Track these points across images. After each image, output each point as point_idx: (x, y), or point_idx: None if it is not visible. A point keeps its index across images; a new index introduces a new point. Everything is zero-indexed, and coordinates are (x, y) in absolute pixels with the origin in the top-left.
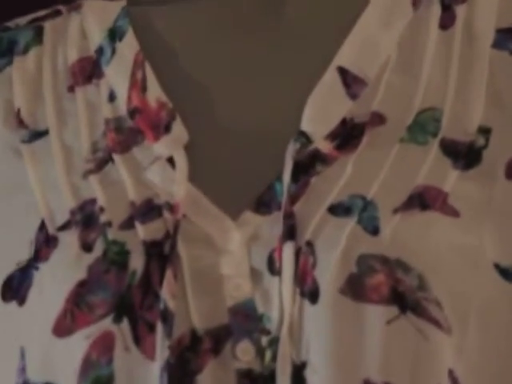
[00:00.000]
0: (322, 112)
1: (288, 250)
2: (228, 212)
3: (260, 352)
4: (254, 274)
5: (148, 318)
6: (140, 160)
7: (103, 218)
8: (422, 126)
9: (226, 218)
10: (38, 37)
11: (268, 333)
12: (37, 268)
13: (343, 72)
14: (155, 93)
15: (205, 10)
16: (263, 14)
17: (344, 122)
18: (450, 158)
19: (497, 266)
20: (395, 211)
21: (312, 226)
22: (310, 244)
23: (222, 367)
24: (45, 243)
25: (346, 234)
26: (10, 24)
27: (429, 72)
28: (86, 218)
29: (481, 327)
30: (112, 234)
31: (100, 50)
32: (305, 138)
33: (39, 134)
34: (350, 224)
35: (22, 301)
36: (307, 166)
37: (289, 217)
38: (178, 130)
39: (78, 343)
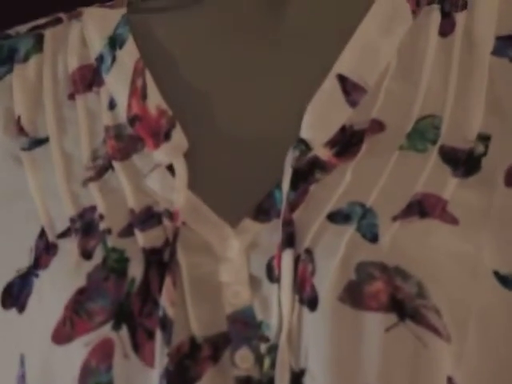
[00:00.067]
0: (321, 119)
1: (287, 257)
2: (227, 219)
3: (259, 359)
4: (253, 282)
5: (147, 325)
6: (140, 167)
7: (103, 226)
8: (422, 134)
9: (226, 226)
10: (39, 44)
11: (267, 340)
12: (37, 275)
13: (343, 79)
14: (155, 100)
15: (204, 17)
16: (263, 20)
17: (343, 129)
18: (450, 165)
19: (496, 274)
20: (394, 219)
21: (311, 234)
22: (309, 251)
23: (220, 374)
24: (45, 250)
25: (345, 241)
26: (11, 32)
27: (428, 79)
28: (86, 225)
29: (480, 334)
30: (111, 241)
31: (100, 58)
32: (304, 146)
33: (39, 142)
34: (349, 231)
35: (21, 308)
36: (306, 173)
37: (288, 224)
38: (178, 137)
39: (78, 350)
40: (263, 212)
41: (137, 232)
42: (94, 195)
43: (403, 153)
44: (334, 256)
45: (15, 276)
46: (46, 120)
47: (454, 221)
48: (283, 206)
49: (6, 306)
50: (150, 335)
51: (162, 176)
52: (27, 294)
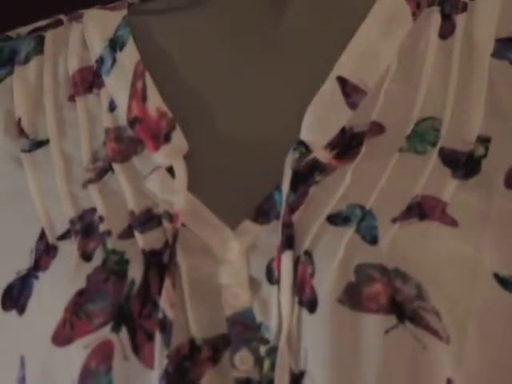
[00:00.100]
0: (321, 121)
1: (286, 259)
2: (227, 221)
3: (258, 361)
4: (253, 284)
5: (147, 326)
6: (140, 169)
7: (103, 228)
8: (422, 136)
9: (225, 228)
10: (39, 46)
11: (266, 342)
12: (37, 277)
13: (343, 81)
14: (155, 102)
15: (205, 19)
16: (264, 22)
17: (343, 131)
18: (450, 167)
19: (496, 276)
20: (394, 220)
21: (311, 236)
22: (308, 253)
23: (220, 376)
24: (45, 252)
25: (344, 243)
26: (11, 34)
27: (428, 81)
28: (86, 227)
29: (480, 336)
30: (111, 243)
31: (100, 60)
32: (304, 148)
33: (40, 144)
34: (348, 233)
35: (21, 310)
36: (306, 175)
37: (287, 226)
38: (178, 139)
39: (77, 352)
40: (263, 214)
41: (137, 234)
42: (93, 197)
43: (403, 155)
44: (334, 258)
45: (15, 278)
46: (47, 122)
47: (453, 223)
48: (283, 208)
49: (6, 307)
50: (150, 337)
51: (161, 178)
52: (27, 296)
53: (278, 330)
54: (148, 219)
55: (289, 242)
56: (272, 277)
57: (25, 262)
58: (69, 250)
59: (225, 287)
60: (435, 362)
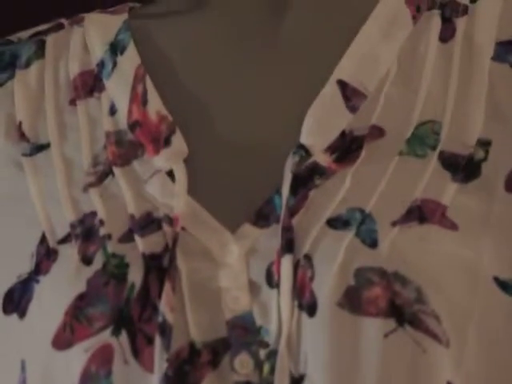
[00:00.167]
0: (321, 125)
1: (286, 262)
2: (227, 225)
3: (258, 365)
4: (253, 287)
5: (147, 330)
6: (140, 173)
7: (103, 231)
8: (421, 139)
9: (225, 231)
10: (40, 50)
11: (266, 345)
12: (37, 281)
13: (343, 85)
14: (155, 106)
15: (205, 23)
16: (264, 26)
17: (343, 134)
18: (449, 170)
19: (496, 279)
20: (393, 224)
21: (310, 239)
22: (308, 257)
23: (220, 380)
24: (45, 256)
25: (344, 246)
26: (12, 38)
27: (428, 84)
28: (86, 231)
29: (480, 340)
30: (112, 246)
31: (101, 64)
32: (304, 151)
33: (40, 148)
34: (348, 237)
35: (22, 314)
36: (306, 178)
37: (287, 230)
38: (178, 143)
39: (77, 356)
40: (263, 217)
41: (137, 237)
42: (94, 201)
43: (403, 158)
44: (333, 261)
45: (16, 282)
46: (47, 126)
47: (453, 226)
48: (283, 212)
49: (6, 311)
50: (150, 340)
51: (161, 182)
52: (28, 300)
53: (278, 334)
54: (148, 223)
55: (288, 245)
56: (272, 280)
57: (25, 266)
58: (69, 253)
59: (224, 291)
60: (435, 366)
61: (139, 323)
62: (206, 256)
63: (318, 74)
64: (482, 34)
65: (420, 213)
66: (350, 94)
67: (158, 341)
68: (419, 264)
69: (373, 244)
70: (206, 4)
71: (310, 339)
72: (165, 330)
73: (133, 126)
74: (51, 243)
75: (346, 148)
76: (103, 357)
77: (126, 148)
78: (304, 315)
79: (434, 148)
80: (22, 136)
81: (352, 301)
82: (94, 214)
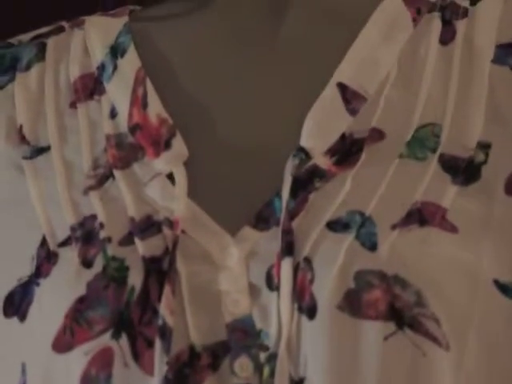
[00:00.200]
0: (321, 128)
1: (286, 265)
2: (227, 228)
3: (258, 368)
4: (253, 290)
5: (147, 333)
6: (140, 176)
7: (103, 234)
8: (422, 142)
9: (225, 234)
10: (41, 53)
11: (266, 349)
12: (38, 284)
13: (343, 88)
14: (156, 109)
15: (206, 26)
16: (264, 29)
17: (343, 137)
18: (450, 173)
19: (496, 282)
20: (393, 227)
21: (310, 242)
22: (307, 260)
23: (220, 383)
24: (46, 259)
25: (343, 249)
26: (13, 41)
27: (429, 87)
28: (87, 234)
29: (480, 343)
30: (112, 249)
31: (102, 67)
32: (304, 154)
33: (41, 150)
34: (348, 240)
35: (23, 317)
36: (306, 181)
37: (287, 233)
38: (178, 146)
39: (78, 359)
40: (263, 220)
41: (137, 240)
42: (94, 204)
43: (403, 161)
44: (333, 264)
45: (17, 285)
46: (48, 129)
47: (453, 229)
48: (282, 215)
49: (7, 314)
50: (150, 344)
51: (162, 184)
52: (28, 303)
53: (278, 337)
54: (148, 226)
55: (288, 248)
56: (272, 283)
57: (26, 269)
58: (69, 256)
59: (224, 294)
60: (435, 369)
61: (139, 326)
62: (206, 259)
63: (318, 76)
64: (482, 37)
65: (420, 216)
66: (350, 97)
67: (157, 344)
68: (419, 267)
69: (372, 247)
70: (206, 7)
71: (310, 342)
72: (165, 333)
73: (133, 128)
74: (51, 246)
75: (346, 151)
76: (103, 360)
77: (127, 151)
78: (304, 318)
79: (434, 151)
80: (23, 139)
81: (352, 304)
82: (94, 216)
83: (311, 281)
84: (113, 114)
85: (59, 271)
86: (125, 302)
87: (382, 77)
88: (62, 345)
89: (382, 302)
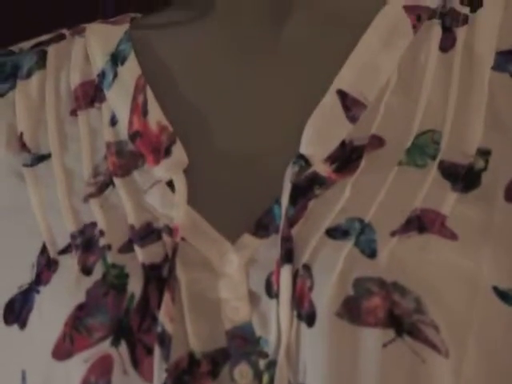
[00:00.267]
0: (321, 135)
1: (285, 273)
2: (227, 235)
3: (258, 375)
4: (252, 297)
5: (146, 341)
6: (140, 183)
7: (103, 242)
8: (421, 149)
9: (225, 242)
10: (42, 61)
11: (266, 356)
12: (38, 291)
13: (343, 95)
14: (156, 116)
15: (206, 33)
16: (264, 36)
17: (343, 144)
18: (449, 180)
19: (495, 289)
20: (393, 234)
21: (309, 249)
22: (307, 267)
23: None
24: (46, 267)
25: (343, 256)
26: (14, 48)
27: (428, 94)
28: (86, 241)
29: (479, 350)
30: (111, 257)
31: (102, 74)
32: (303, 161)
33: (41, 158)
34: (347, 247)
35: (23, 324)
36: (306, 188)
37: (287, 240)
38: (178, 153)
39: (77, 366)
40: (262, 227)
41: (136, 248)
42: (94, 211)
43: (402, 168)
44: (332, 271)
45: (17, 292)
46: (48, 136)
47: (453, 236)
48: (282, 222)
49: (7, 322)
50: (149, 351)
51: (161, 192)
52: (28, 310)
53: (277, 344)
54: (148, 233)
55: (288, 255)
56: (271, 290)
57: (26, 277)
58: (69, 264)
59: (224, 301)
60: (434, 376)
61: (138, 333)
62: (206, 266)
63: (318, 84)
64: (483, 44)
65: (419, 222)
66: (349, 104)
67: (157, 351)
68: (418, 274)
69: (372, 254)
70: (206, 15)
71: (309, 349)
72: (164, 340)
73: (133, 136)
74: (52, 254)
75: (346, 158)
76: (103, 367)
77: (127, 158)
78: (303, 325)
79: (433, 157)
80: (23, 146)
81: (351, 311)
82: (94, 224)
83: (310, 288)
84: (113, 122)
85: (59, 279)
86: (124, 310)
87: (382, 83)
88: (62, 352)
89: (381, 309)
